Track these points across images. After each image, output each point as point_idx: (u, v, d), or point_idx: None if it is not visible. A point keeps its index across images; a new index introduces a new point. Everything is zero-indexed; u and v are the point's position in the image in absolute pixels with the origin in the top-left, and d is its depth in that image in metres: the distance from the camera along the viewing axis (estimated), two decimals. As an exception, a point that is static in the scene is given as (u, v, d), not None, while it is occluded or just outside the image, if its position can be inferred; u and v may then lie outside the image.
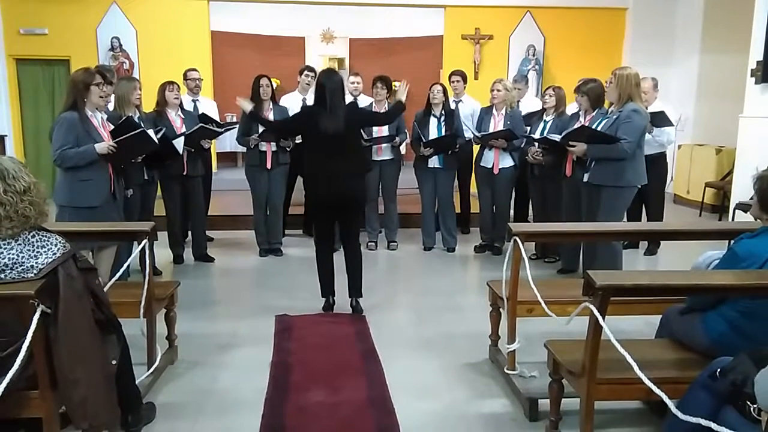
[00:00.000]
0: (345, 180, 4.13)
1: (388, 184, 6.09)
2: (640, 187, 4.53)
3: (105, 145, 3.98)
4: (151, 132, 4.43)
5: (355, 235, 4.40)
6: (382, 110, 5.81)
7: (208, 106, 6.47)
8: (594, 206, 4.50)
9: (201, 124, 5.36)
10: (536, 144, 5.35)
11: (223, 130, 5.86)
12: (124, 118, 4.57)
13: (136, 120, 4.92)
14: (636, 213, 5.91)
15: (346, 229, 4.35)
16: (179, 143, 5.06)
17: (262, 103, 5.58)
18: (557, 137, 4.92)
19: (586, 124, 4.80)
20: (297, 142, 5.68)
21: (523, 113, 6.06)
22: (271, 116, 5.59)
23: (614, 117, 4.38)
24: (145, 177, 5.01)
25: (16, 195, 2.27)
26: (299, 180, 6.45)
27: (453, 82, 6.46)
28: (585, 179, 4.58)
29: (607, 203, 4.41)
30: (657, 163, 5.68)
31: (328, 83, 4.12)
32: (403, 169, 6.28)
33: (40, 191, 2.38)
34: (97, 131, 4.05)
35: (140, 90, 5.03)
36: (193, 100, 6.23)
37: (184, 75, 6.25)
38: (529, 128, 5.69)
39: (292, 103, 6.24)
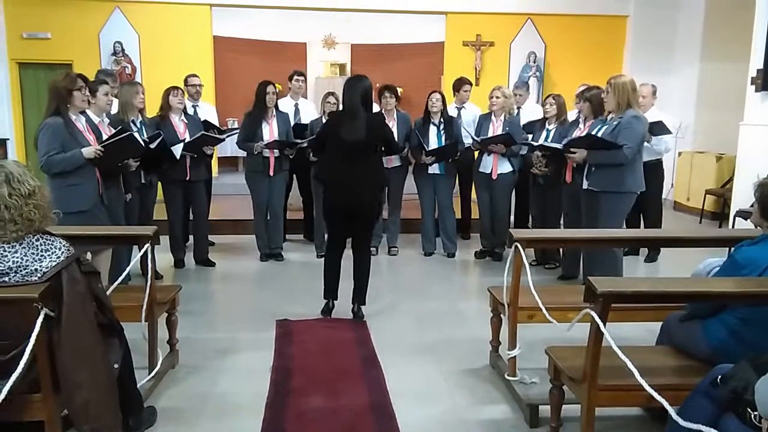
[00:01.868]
0: (362, 190, 4.15)
1: (394, 191, 6.11)
2: (638, 193, 4.55)
3: (92, 149, 3.93)
4: (137, 135, 4.37)
5: (366, 243, 4.43)
6: (392, 120, 5.84)
7: (207, 110, 6.48)
8: (593, 213, 4.51)
9: (203, 132, 5.37)
10: (536, 151, 5.36)
11: (224, 137, 5.85)
12: (122, 126, 4.54)
13: (138, 124, 4.95)
14: (635, 220, 5.92)
15: (358, 237, 4.35)
16: (177, 149, 5.06)
17: (266, 110, 5.59)
18: (558, 145, 4.93)
19: (586, 131, 4.82)
20: (300, 146, 5.70)
21: (524, 120, 6.08)
22: (274, 123, 5.61)
23: (615, 123, 4.41)
24: (143, 181, 5.01)
25: (21, 198, 2.28)
26: (294, 188, 6.47)
27: (465, 91, 6.51)
28: (584, 186, 4.59)
29: (608, 209, 4.42)
30: (654, 170, 5.69)
31: (350, 90, 4.13)
32: (403, 175, 6.28)
33: (45, 195, 2.39)
34: (83, 135, 3.99)
35: (143, 94, 5.04)
36: (193, 106, 6.24)
37: (185, 81, 6.27)
38: (531, 136, 5.71)
39: (285, 108, 6.23)
